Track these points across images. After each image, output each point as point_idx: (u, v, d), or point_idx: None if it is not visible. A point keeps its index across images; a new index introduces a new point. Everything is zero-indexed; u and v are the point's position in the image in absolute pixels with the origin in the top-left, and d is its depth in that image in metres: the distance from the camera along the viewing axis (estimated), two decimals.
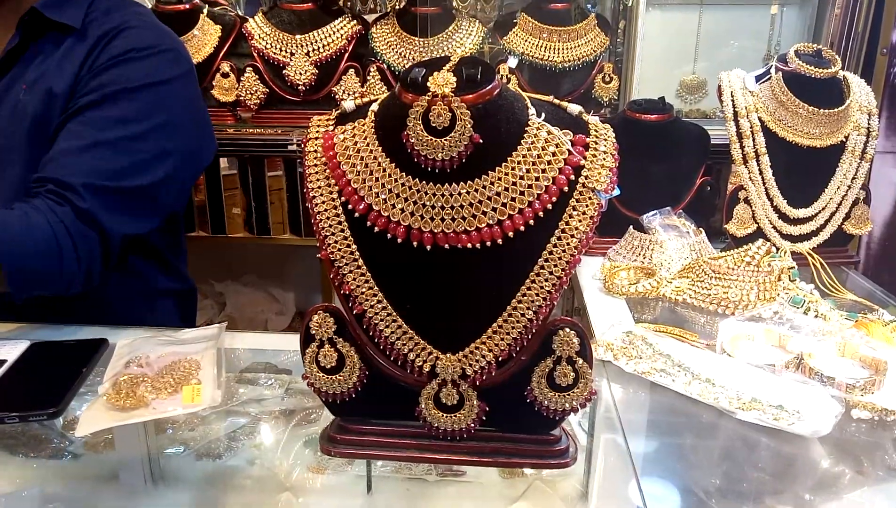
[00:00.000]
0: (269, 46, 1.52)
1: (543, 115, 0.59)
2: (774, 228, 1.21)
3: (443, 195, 0.56)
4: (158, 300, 1.14)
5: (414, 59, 1.53)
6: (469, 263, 0.57)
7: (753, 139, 1.19)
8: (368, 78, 1.54)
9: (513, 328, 0.58)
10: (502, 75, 1.49)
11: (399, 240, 0.57)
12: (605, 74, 1.58)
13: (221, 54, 1.55)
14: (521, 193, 0.56)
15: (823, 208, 1.21)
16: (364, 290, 0.59)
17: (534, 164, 0.57)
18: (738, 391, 0.76)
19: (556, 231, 0.57)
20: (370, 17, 1.63)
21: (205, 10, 1.57)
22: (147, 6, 1.47)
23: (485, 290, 0.58)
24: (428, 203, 0.56)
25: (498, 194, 0.56)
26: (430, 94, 0.54)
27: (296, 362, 0.88)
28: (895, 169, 1.52)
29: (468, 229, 0.56)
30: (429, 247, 0.57)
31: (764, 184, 1.20)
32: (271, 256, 1.97)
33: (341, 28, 1.54)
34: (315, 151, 0.61)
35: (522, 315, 0.57)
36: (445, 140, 0.54)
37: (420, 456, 0.64)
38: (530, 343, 0.58)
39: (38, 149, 0.94)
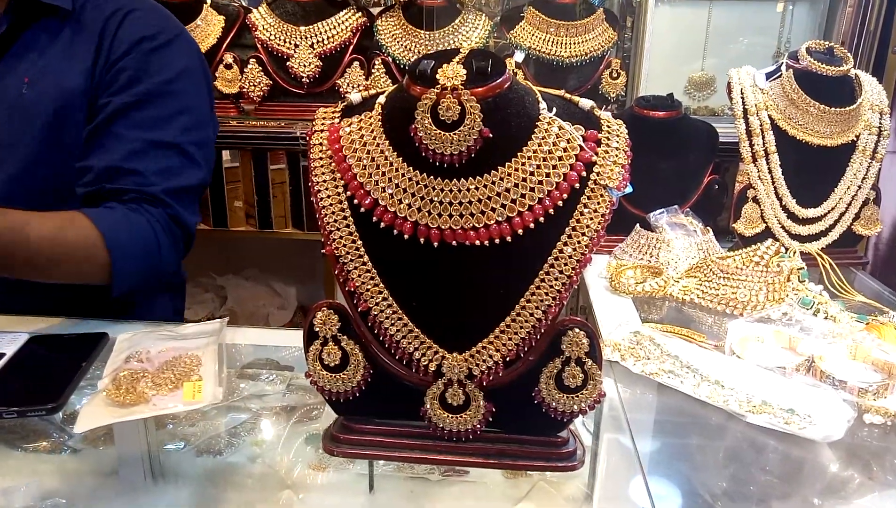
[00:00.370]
0: (272, 38, 1.51)
1: (555, 109, 0.57)
2: (783, 227, 1.20)
3: (451, 191, 0.55)
4: (157, 293, 1.14)
5: (419, 52, 1.52)
6: (477, 260, 0.56)
7: (763, 137, 1.18)
8: (373, 71, 1.53)
9: (521, 327, 0.57)
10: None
11: (405, 236, 0.56)
12: (612, 70, 1.57)
13: (225, 45, 1.54)
14: (532, 189, 0.55)
15: (833, 208, 1.20)
16: (369, 287, 0.58)
17: (545, 159, 0.55)
18: (749, 394, 0.75)
19: (567, 229, 0.55)
20: (375, 10, 1.61)
21: (208, 1, 1.56)
22: None
23: (493, 288, 0.57)
24: (435, 199, 0.55)
25: (507, 190, 0.55)
26: (439, 86, 0.53)
27: (297, 357, 0.87)
28: None
29: (476, 225, 0.55)
30: (436, 244, 0.56)
31: (773, 183, 1.19)
32: (273, 249, 1.96)
33: (346, 20, 1.53)
34: (320, 144, 0.59)
35: (531, 315, 0.56)
36: (454, 134, 0.53)
37: (424, 457, 0.63)
38: (538, 343, 0.57)
39: (49, 150, 0.93)
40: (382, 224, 0.56)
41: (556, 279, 0.56)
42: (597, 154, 0.56)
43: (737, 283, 0.99)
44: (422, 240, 0.56)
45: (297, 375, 0.84)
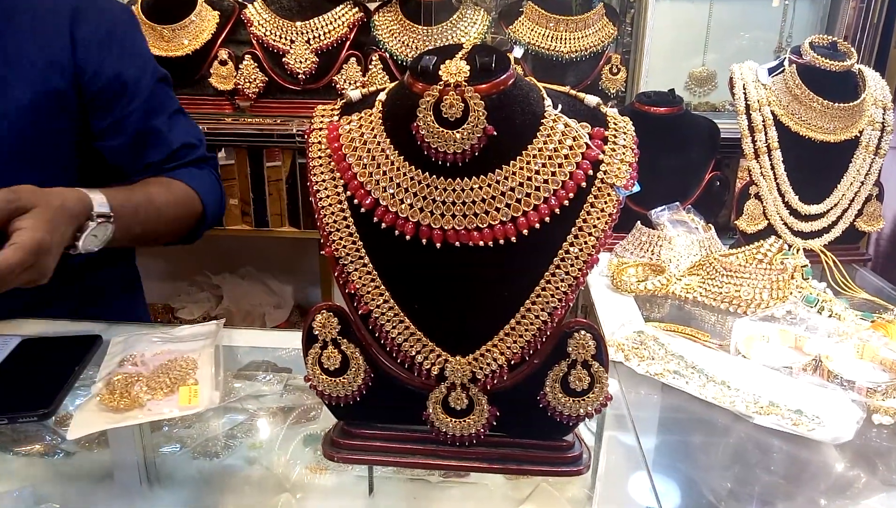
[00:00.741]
0: (268, 33, 1.49)
1: (560, 106, 0.56)
2: (785, 224, 1.19)
3: (454, 190, 0.53)
4: (136, 289, 1.18)
5: (417, 48, 1.50)
6: (481, 261, 0.55)
7: (766, 133, 1.17)
8: (370, 67, 1.51)
9: (526, 330, 0.55)
10: None
11: (407, 237, 0.54)
12: (612, 66, 1.55)
13: (219, 41, 1.51)
14: (537, 188, 0.54)
15: (836, 205, 1.19)
16: (370, 289, 0.56)
17: (550, 158, 0.54)
18: (755, 395, 0.74)
19: (573, 229, 0.54)
20: (372, 5, 1.59)
21: None
22: None
23: (497, 290, 0.56)
24: (438, 198, 0.54)
25: (512, 189, 0.53)
26: (441, 83, 0.51)
27: (295, 358, 0.87)
28: None
29: (480, 225, 0.54)
30: (438, 245, 0.54)
31: (775, 179, 1.18)
32: (269, 248, 1.95)
33: (343, 15, 1.51)
34: (319, 142, 0.58)
35: (536, 317, 0.55)
36: (457, 132, 0.51)
37: (427, 462, 0.61)
38: (544, 346, 0.56)
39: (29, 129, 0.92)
40: (383, 225, 0.55)
41: (561, 281, 0.54)
42: (604, 152, 0.55)
43: (740, 281, 0.97)
44: (424, 241, 0.54)
45: (295, 375, 0.83)
